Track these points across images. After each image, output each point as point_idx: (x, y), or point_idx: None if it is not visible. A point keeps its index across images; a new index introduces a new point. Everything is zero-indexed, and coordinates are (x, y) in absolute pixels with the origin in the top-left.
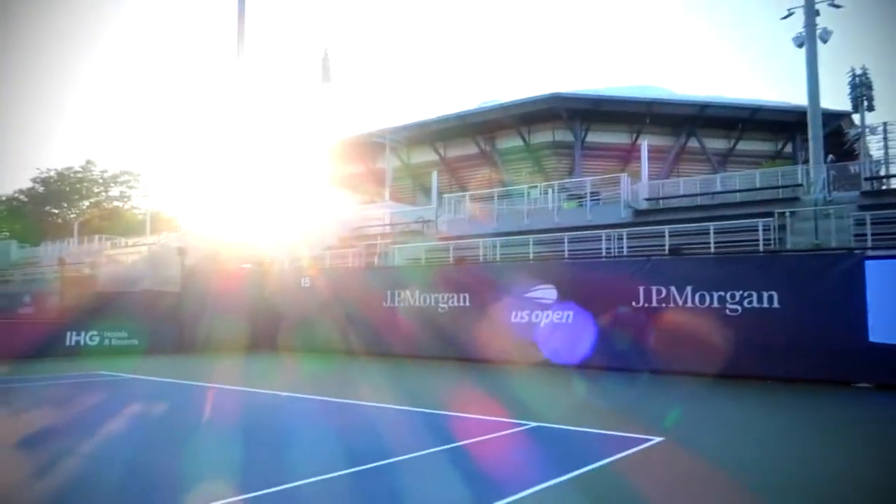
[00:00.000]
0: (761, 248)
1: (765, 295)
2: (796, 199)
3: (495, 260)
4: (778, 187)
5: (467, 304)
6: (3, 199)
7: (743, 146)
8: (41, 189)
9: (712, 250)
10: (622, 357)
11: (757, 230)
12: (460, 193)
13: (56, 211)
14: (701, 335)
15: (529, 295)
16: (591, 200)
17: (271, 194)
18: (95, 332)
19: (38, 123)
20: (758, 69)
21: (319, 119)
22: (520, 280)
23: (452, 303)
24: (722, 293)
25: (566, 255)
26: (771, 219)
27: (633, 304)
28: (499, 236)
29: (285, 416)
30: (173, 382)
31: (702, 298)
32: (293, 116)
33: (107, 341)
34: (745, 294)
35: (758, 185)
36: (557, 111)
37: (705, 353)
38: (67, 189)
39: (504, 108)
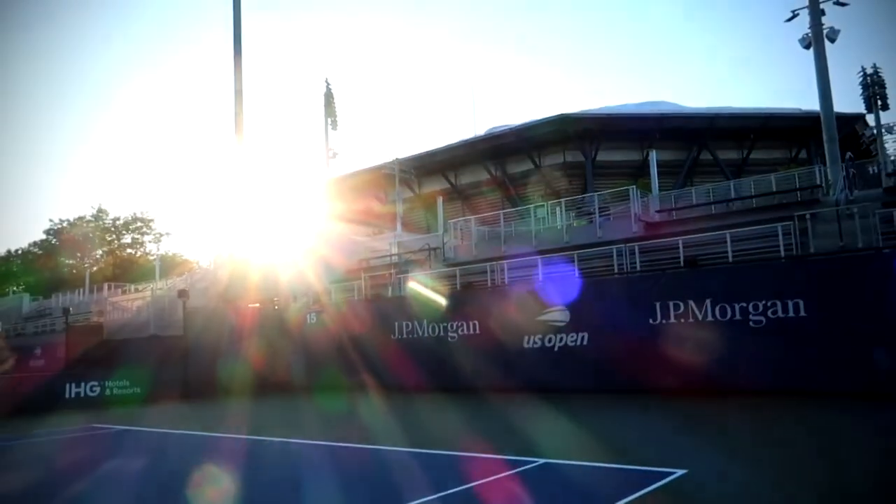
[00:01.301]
0: (782, 253)
1: (790, 303)
2: (816, 200)
3: (503, 284)
4: (796, 190)
5: (477, 331)
6: (19, 252)
7: (756, 156)
8: (54, 241)
9: (730, 259)
10: (641, 379)
11: (777, 236)
12: (468, 218)
13: (70, 261)
14: (723, 350)
15: (541, 318)
16: (601, 216)
17: (280, 232)
18: (95, 383)
19: (51, 174)
20: (767, 77)
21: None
22: (530, 303)
23: (462, 331)
24: (744, 304)
25: (577, 274)
26: (791, 223)
27: (650, 321)
28: (506, 259)
29: (278, 465)
30: (167, 433)
31: (722, 311)
32: (301, 152)
33: (108, 391)
34: (769, 304)
35: (774, 189)
36: (566, 132)
37: (729, 369)
38: (80, 238)
39: (513, 132)
